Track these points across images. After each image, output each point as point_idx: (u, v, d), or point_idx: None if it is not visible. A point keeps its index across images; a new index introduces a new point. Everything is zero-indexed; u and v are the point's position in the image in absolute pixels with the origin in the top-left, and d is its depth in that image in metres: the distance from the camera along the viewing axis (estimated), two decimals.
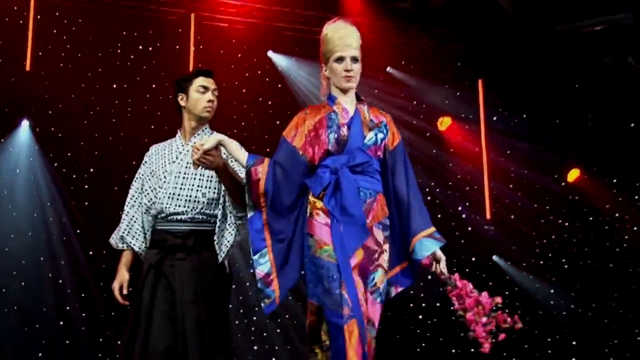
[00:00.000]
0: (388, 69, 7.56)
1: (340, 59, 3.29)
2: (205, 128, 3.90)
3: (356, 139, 3.31)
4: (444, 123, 7.88)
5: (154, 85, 6.78)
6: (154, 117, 6.37)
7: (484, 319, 3.14)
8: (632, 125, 8.20)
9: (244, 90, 6.71)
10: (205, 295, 3.67)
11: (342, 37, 3.32)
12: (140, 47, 6.81)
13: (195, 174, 3.80)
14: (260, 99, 6.84)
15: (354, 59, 3.30)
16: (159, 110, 6.33)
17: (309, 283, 3.22)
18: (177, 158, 3.87)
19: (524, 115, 8.08)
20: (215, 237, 3.75)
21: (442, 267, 3.36)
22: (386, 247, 3.34)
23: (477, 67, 7.87)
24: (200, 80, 3.86)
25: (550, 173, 8.17)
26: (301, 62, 7.04)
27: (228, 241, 3.75)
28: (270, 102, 6.84)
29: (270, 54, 7.10)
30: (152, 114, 6.43)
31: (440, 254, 3.37)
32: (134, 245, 3.86)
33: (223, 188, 3.74)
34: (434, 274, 3.38)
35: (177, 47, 6.71)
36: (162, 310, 3.68)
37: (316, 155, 3.33)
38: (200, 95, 3.83)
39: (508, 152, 7.98)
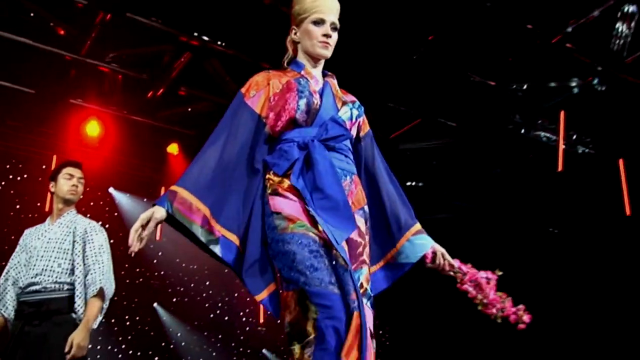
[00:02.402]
0: None
1: (319, 22, 2.85)
2: (71, 211, 4.47)
3: (328, 110, 2.84)
4: None
5: (11, 213, 7.99)
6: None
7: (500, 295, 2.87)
8: None
9: (88, 215, 8.53)
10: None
11: (325, 3, 2.89)
12: (10, 177, 8.19)
13: (54, 248, 4.27)
14: (99, 222, 8.69)
15: (334, 27, 2.89)
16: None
17: (281, 270, 2.60)
18: (42, 236, 4.35)
19: None
20: (75, 302, 4.15)
21: (449, 259, 2.98)
22: (368, 238, 2.85)
23: None
24: (67, 169, 4.48)
25: None
26: (136, 199, 8.76)
27: (80, 306, 4.16)
28: (107, 226, 7.83)
29: (111, 190, 8.75)
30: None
31: (440, 247, 3.01)
32: (4, 312, 4.25)
33: (78, 258, 4.21)
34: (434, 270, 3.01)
35: (40, 179, 7.93)
36: None
37: (278, 124, 2.81)
38: (66, 181, 4.42)
39: None
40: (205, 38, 6.52)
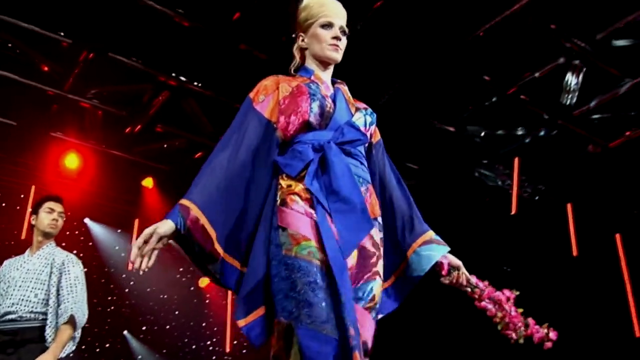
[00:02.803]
0: None
1: (328, 25, 2.71)
2: (50, 243, 4.49)
3: (342, 114, 2.64)
4: (203, 282, 9.12)
5: None
6: None
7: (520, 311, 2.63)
8: None
9: (63, 244, 8.57)
10: None
11: (333, 4, 2.77)
12: None
13: (32, 279, 4.27)
14: (74, 251, 8.68)
15: (343, 31, 2.74)
16: None
17: (277, 294, 2.34)
18: (21, 266, 4.35)
19: None
20: (46, 331, 4.13)
21: (466, 273, 2.72)
22: (382, 251, 2.59)
23: None
24: (49, 204, 4.51)
25: None
26: (110, 230, 8.86)
27: (49, 335, 4.13)
28: (81, 255, 8.56)
29: (86, 220, 8.76)
30: None
31: (456, 259, 2.74)
32: None
33: (53, 289, 4.21)
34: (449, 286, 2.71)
35: (18, 207, 7.96)
36: None
37: (290, 128, 2.59)
38: (47, 215, 4.44)
39: None
40: (183, 78, 6.62)
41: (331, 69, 2.81)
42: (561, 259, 8.16)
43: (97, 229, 8.75)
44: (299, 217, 2.44)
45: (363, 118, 2.71)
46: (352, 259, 2.43)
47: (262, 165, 2.58)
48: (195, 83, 6.67)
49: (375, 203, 2.64)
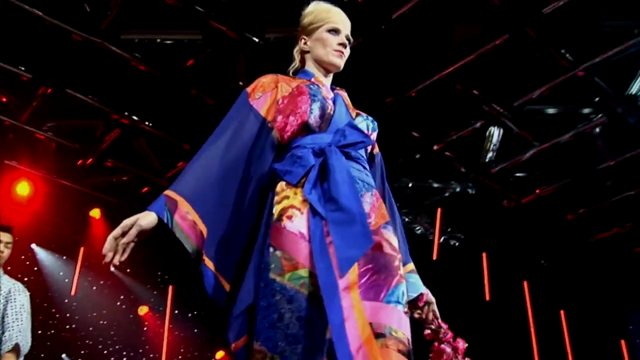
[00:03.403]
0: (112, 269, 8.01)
1: (335, 31, 2.52)
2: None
3: (342, 117, 2.40)
4: (142, 310, 9.04)
5: None
6: None
7: None
8: None
9: (9, 268, 8.47)
10: None
11: (340, 13, 2.58)
12: None
13: None
14: (19, 275, 8.55)
15: (348, 40, 2.55)
16: None
17: (262, 320, 2.01)
18: None
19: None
20: None
21: (435, 310, 2.46)
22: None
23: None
24: None
25: None
26: (55, 256, 8.64)
27: None
28: (25, 279, 7.66)
29: (33, 245, 8.58)
30: None
31: (431, 295, 2.46)
32: None
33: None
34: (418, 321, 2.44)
35: None
36: None
37: (288, 129, 2.32)
38: None
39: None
40: (135, 117, 6.66)
41: (331, 76, 2.59)
42: (475, 302, 8.33)
43: (43, 255, 8.58)
44: (295, 240, 2.10)
45: (365, 122, 2.46)
46: (353, 274, 2.05)
47: (255, 165, 2.29)
48: (147, 122, 6.73)
49: (384, 208, 2.33)
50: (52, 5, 5.40)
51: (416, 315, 2.43)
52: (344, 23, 2.55)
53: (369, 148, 2.51)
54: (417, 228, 8.40)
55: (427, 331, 2.45)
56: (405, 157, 7.31)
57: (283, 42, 5.76)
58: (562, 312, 8.91)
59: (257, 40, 5.72)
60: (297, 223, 2.13)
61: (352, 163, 2.29)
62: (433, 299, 2.45)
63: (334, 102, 2.42)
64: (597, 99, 6.55)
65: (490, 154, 7.13)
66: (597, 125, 6.80)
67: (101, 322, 9.03)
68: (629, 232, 8.43)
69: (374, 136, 2.50)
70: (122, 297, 9.12)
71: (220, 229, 2.17)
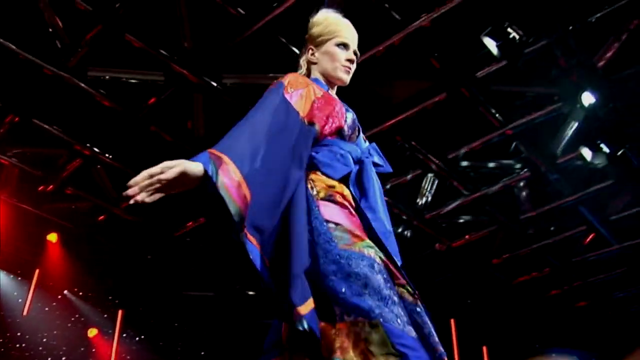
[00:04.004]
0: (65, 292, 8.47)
1: (344, 45, 2.40)
2: None
3: (360, 137, 2.35)
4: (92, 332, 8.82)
5: None
6: None
7: None
8: None
9: None
10: None
11: (349, 27, 2.46)
12: None
13: None
14: None
15: (356, 55, 2.45)
16: None
17: (343, 294, 1.83)
18: None
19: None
20: None
21: None
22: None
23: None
24: None
25: None
26: (10, 277, 8.43)
27: None
28: None
29: None
30: None
31: None
32: None
33: None
34: None
35: None
36: None
37: (326, 129, 2.22)
38: None
39: None
40: (96, 149, 6.64)
41: (335, 88, 2.48)
42: None
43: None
44: (350, 217, 2.05)
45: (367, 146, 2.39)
46: None
47: (296, 149, 2.07)
48: (107, 154, 6.72)
49: None
50: (26, 41, 5.42)
51: None
52: (352, 38, 2.45)
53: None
54: None
55: None
56: None
57: (239, 87, 5.87)
58: (484, 348, 9.05)
59: (215, 84, 5.80)
60: (347, 206, 2.08)
61: None
62: None
63: None
64: (522, 155, 6.78)
65: (425, 200, 7.29)
66: (522, 179, 7.05)
67: (51, 342, 8.84)
68: (546, 277, 8.67)
69: None
70: (72, 318, 8.95)
71: (263, 197, 1.88)
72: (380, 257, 1.94)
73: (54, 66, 5.61)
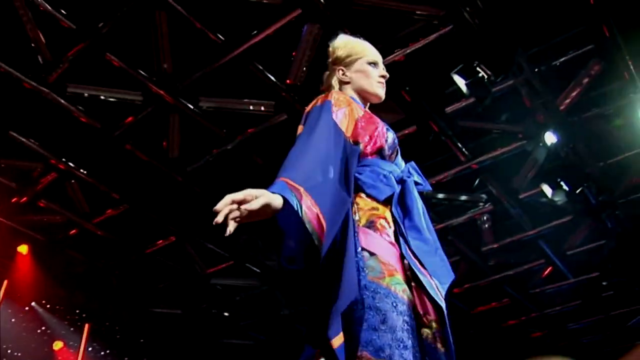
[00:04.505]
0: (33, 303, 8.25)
1: (374, 64, 2.41)
2: None
3: (398, 156, 2.28)
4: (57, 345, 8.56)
5: None
6: None
7: None
8: None
9: None
10: None
11: (373, 47, 2.47)
12: None
13: None
14: None
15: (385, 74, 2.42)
16: None
17: (361, 322, 1.78)
18: None
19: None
20: None
21: None
22: None
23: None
24: None
25: None
26: None
27: None
28: None
29: None
30: None
31: None
32: None
33: None
34: None
35: None
36: None
37: (369, 148, 2.17)
38: None
39: None
40: (71, 164, 6.53)
41: (368, 105, 2.44)
42: None
43: None
44: (388, 247, 1.96)
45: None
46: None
47: (347, 172, 2.03)
48: (81, 170, 6.60)
49: None
50: (7, 54, 5.33)
51: None
52: (379, 57, 2.46)
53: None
54: None
55: None
56: None
57: (215, 111, 5.83)
58: None
59: (191, 107, 5.76)
60: (387, 234, 2.00)
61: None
62: None
63: None
64: (486, 189, 6.82)
65: None
66: (485, 212, 7.07)
67: (15, 353, 8.61)
68: (504, 307, 8.69)
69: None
70: (39, 330, 8.74)
71: (333, 228, 1.83)
72: (408, 296, 1.88)
73: (34, 80, 5.51)
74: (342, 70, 2.42)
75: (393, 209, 2.06)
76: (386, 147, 2.20)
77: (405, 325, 1.80)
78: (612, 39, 5.05)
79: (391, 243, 1.98)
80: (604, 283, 7.90)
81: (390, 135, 2.25)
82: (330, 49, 2.49)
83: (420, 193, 2.22)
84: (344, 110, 2.16)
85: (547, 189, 6.15)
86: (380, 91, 2.39)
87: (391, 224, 2.04)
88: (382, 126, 2.23)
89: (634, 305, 8.42)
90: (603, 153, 6.29)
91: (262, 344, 9.52)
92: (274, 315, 8.93)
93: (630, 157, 6.21)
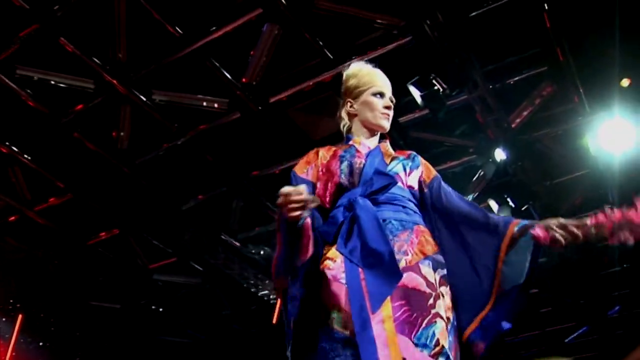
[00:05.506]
0: None
1: (380, 94, 2.51)
2: None
3: (373, 166, 2.34)
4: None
5: None
6: None
7: None
8: None
9: None
10: None
11: (382, 76, 2.59)
12: None
13: None
14: None
15: (392, 101, 2.54)
16: None
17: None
18: None
19: None
20: None
21: (571, 227, 1.98)
22: (444, 290, 2.11)
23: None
24: None
25: None
26: None
27: None
28: None
29: None
30: None
31: (552, 220, 2.06)
32: None
33: None
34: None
35: None
36: None
37: (327, 194, 2.34)
38: None
39: None
40: (15, 149, 6.38)
41: (378, 135, 2.55)
42: None
43: None
44: (330, 282, 2.13)
45: (401, 164, 2.41)
46: (386, 308, 1.99)
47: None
48: (25, 155, 6.44)
49: (426, 241, 2.22)
50: None
51: (557, 247, 2.04)
52: (387, 86, 2.57)
53: (414, 184, 2.41)
54: (263, 292, 8.40)
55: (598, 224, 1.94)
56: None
57: (167, 105, 5.78)
58: None
59: (144, 98, 5.69)
60: (333, 270, 2.16)
61: (385, 206, 2.26)
62: (553, 223, 2.05)
63: (368, 155, 2.40)
64: None
65: None
66: None
67: None
68: None
69: (418, 171, 2.46)
70: None
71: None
72: (340, 325, 2.05)
73: None
74: (350, 102, 2.56)
75: (338, 244, 2.20)
76: (342, 180, 2.34)
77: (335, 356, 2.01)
78: (565, 63, 5.19)
79: (333, 277, 2.14)
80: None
81: (345, 164, 2.36)
82: (344, 77, 2.64)
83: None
84: (312, 165, 2.44)
85: (493, 205, 6.27)
86: (384, 122, 2.51)
87: (336, 258, 2.19)
88: (336, 161, 2.39)
89: (571, 322, 8.66)
90: (550, 172, 6.46)
91: (201, 342, 9.46)
92: (215, 315, 8.89)
93: (576, 177, 6.39)
